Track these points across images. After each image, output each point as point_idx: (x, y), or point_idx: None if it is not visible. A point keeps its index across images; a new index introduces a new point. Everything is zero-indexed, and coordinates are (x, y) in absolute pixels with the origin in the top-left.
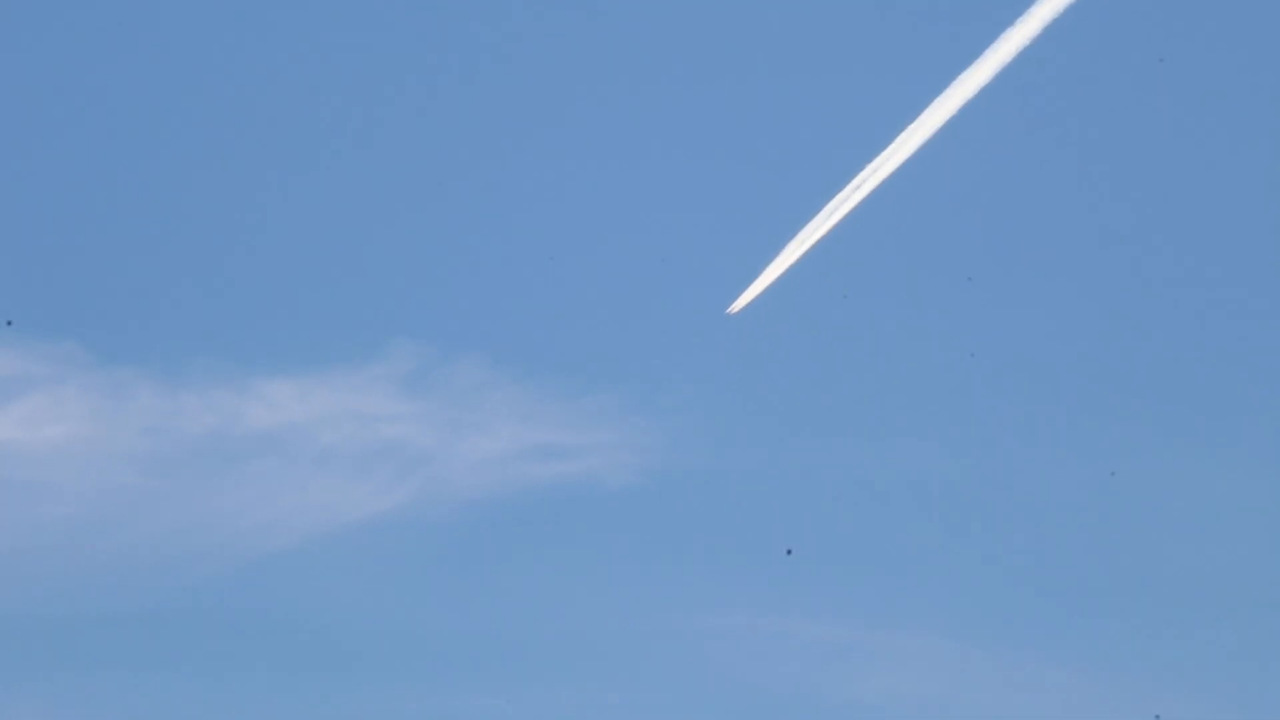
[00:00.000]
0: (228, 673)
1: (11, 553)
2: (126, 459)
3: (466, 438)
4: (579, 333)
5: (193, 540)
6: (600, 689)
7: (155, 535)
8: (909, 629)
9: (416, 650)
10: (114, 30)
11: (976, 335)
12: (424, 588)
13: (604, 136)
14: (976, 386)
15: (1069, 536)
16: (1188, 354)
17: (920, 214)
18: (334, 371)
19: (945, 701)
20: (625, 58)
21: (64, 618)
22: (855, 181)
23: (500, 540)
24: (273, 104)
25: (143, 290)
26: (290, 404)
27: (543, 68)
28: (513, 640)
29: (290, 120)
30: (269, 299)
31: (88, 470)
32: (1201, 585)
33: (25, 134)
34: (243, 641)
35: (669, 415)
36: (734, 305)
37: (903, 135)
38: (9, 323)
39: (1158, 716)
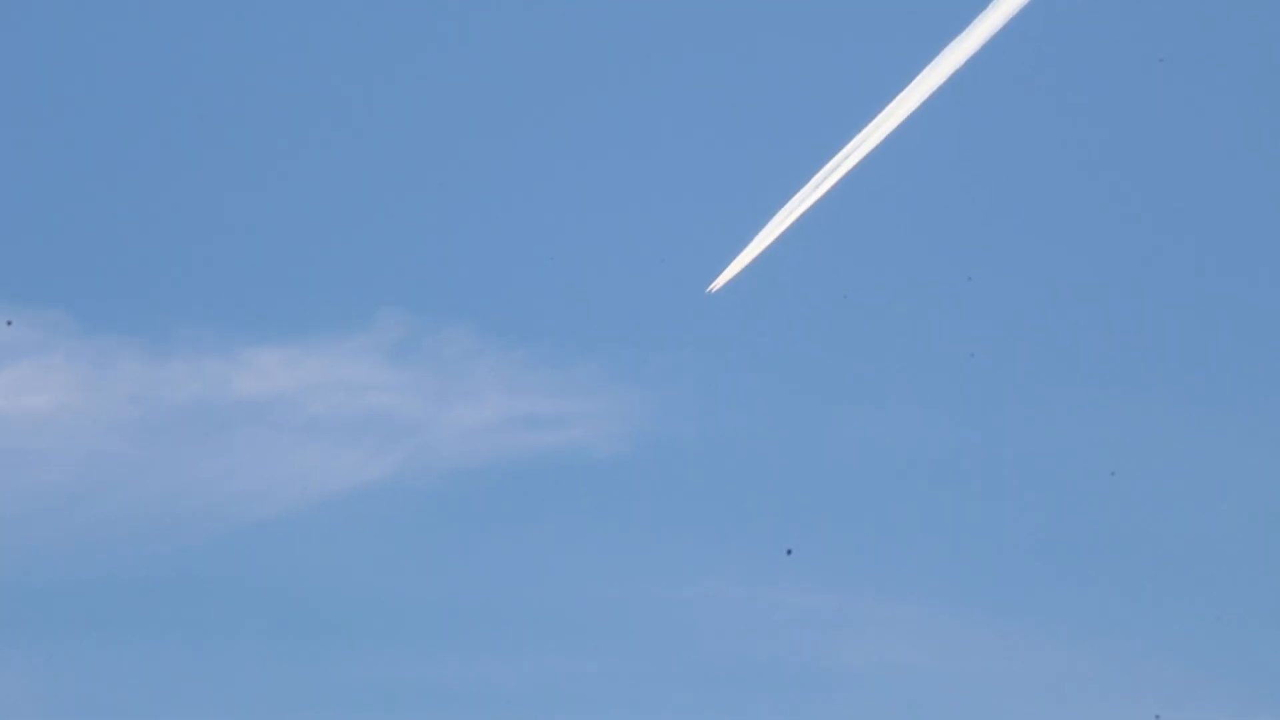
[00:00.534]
0: (214, 640)
1: None
2: (113, 427)
3: (454, 407)
4: (567, 302)
5: (179, 508)
6: (588, 657)
7: (142, 503)
8: (900, 598)
9: (403, 618)
10: (102, 5)
11: (968, 310)
12: (411, 556)
13: (589, 110)
14: (969, 357)
15: (1064, 506)
16: (1194, 324)
17: (907, 189)
18: (321, 340)
19: (937, 671)
20: (607, 38)
21: (50, 585)
22: (852, 144)
23: (488, 509)
24: (259, 75)
25: (129, 258)
26: (277, 372)
27: (528, 47)
28: (500, 609)
29: (277, 91)
30: (256, 267)
31: (74, 438)
32: (1199, 558)
33: (9, 104)
34: (229, 609)
35: (658, 384)
36: (720, 277)
37: (883, 113)
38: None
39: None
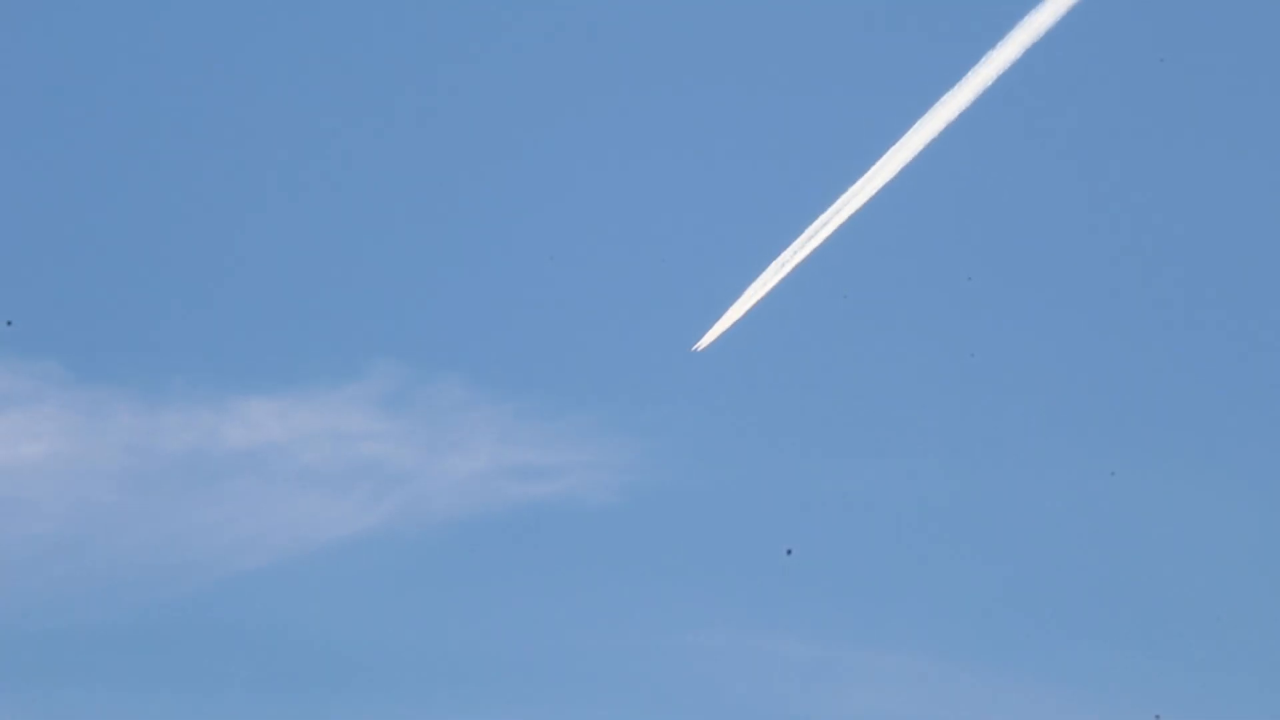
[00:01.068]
0: (206, 690)
1: None
2: (106, 477)
3: (446, 457)
4: (558, 352)
5: (171, 558)
6: (580, 708)
7: (134, 552)
8: (892, 648)
9: (396, 669)
10: (91, 47)
11: (958, 357)
12: (403, 606)
13: (580, 167)
14: (958, 405)
15: (1051, 559)
16: (1182, 372)
17: (909, 225)
18: (314, 390)
19: None
20: (595, 95)
21: (41, 633)
22: (858, 184)
23: (480, 559)
24: (250, 125)
25: (122, 308)
26: (270, 422)
27: (520, 93)
28: (492, 660)
29: (269, 141)
30: (249, 318)
31: (67, 488)
32: (1191, 606)
33: (2, 152)
34: (222, 659)
35: (648, 435)
36: (708, 333)
37: (884, 158)
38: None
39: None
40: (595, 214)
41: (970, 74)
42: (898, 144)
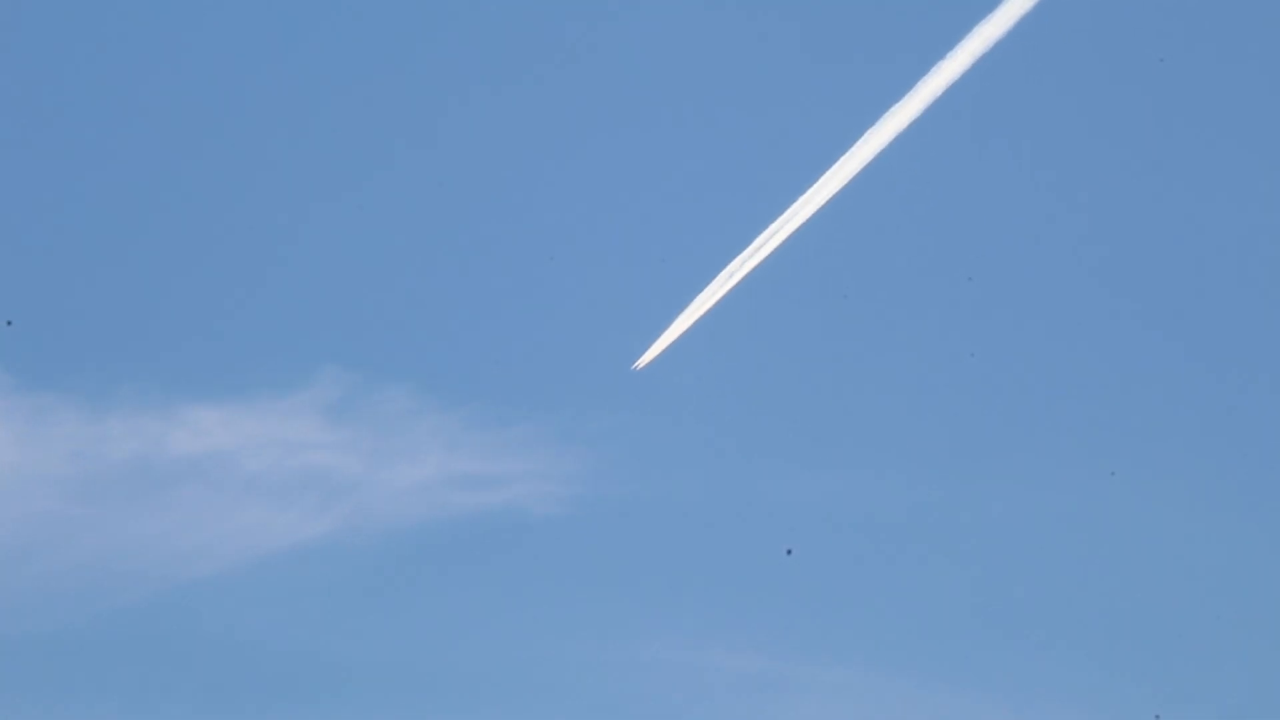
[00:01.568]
0: (152, 699)
1: None
2: (51, 485)
3: (392, 466)
4: (505, 361)
5: (117, 567)
6: (523, 717)
7: (79, 561)
8: (838, 661)
9: (341, 676)
10: (56, 53)
11: (899, 367)
12: (349, 616)
13: (528, 170)
14: (907, 417)
15: (1003, 570)
16: (1157, 382)
17: (851, 241)
18: (260, 398)
19: None
20: (538, 117)
21: None
22: (808, 194)
23: (426, 569)
24: (195, 135)
25: (68, 315)
26: (216, 430)
27: (467, 106)
28: (437, 669)
29: (216, 150)
30: (196, 325)
31: (11, 496)
32: (1144, 623)
33: None
34: (168, 669)
35: (595, 445)
36: (655, 344)
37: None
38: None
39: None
40: (542, 226)
41: (915, 88)
42: (840, 160)
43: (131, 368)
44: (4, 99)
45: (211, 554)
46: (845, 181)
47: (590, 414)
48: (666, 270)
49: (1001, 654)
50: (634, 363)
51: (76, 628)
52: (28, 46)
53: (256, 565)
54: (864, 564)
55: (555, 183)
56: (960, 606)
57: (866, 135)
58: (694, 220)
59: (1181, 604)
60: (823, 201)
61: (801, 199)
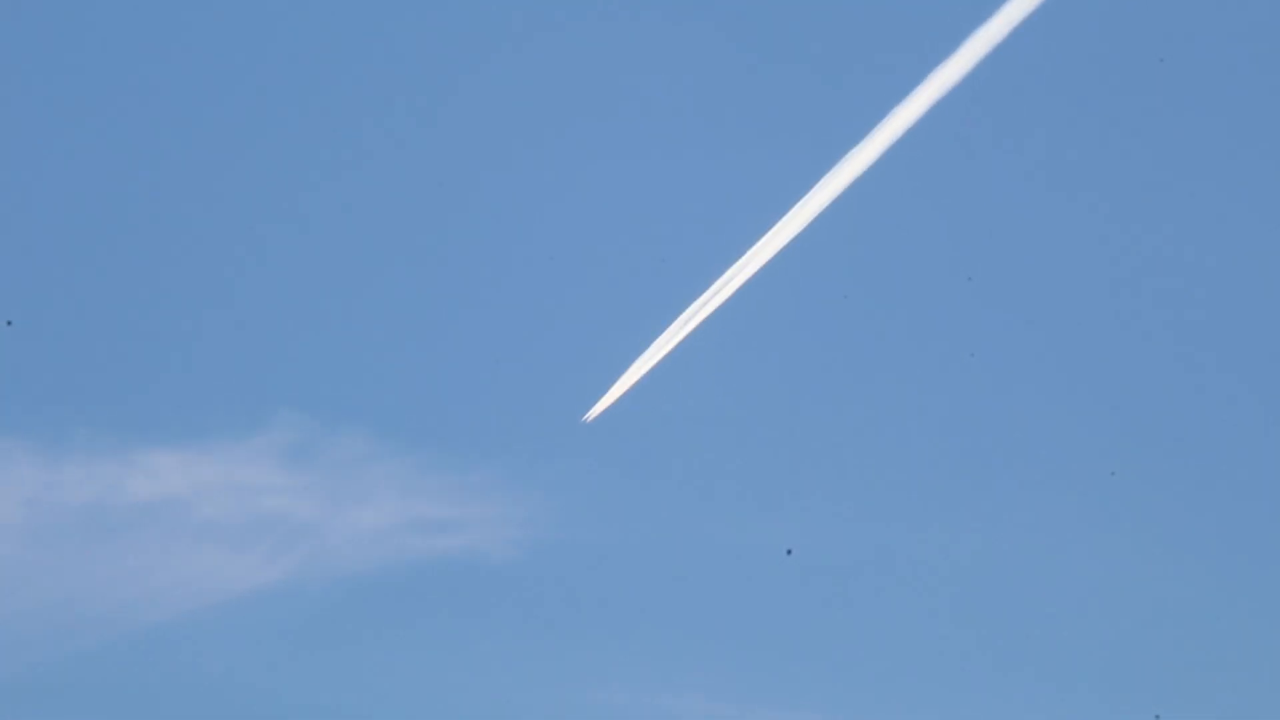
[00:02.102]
0: None
1: None
2: (5, 530)
3: (349, 510)
4: (461, 406)
5: (72, 612)
6: None
7: (34, 607)
8: (797, 708)
9: None
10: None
11: (855, 413)
12: (307, 660)
13: (485, 209)
14: (869, 462)
15: (966, 614)
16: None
17: (807, 288)
18: (216, 442)
19: None
20: (486, 159)
21: None
22: (789, 215)
23: (383, 613)
24: (147, 171)
25: (19, 359)
26: (172, 475)
27: (423, 145)
28: (397, 713)
29: (169, 192)
30: (151, 369)
31: None
32: (1094, 665)
33: None
34: (124, 714)
35: (554, 489)
36: (611, 389)
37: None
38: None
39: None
40: (499, 272)
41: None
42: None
43: (86, 412)
44: None
45: (168, 599)
46: (795, 233)
47: (547, 458)
48: (627, 311)
49: (970, 695)
50: (590, 408)
51: (31, 674)
52: None
53: (214, 609)
54: (821, 609)
55: (513, 229)
56: (922, 650)
57: (825, 177)
58: (666, 252)
59: (1160, 639)
60: (775, 250)
61: (757, 244)
